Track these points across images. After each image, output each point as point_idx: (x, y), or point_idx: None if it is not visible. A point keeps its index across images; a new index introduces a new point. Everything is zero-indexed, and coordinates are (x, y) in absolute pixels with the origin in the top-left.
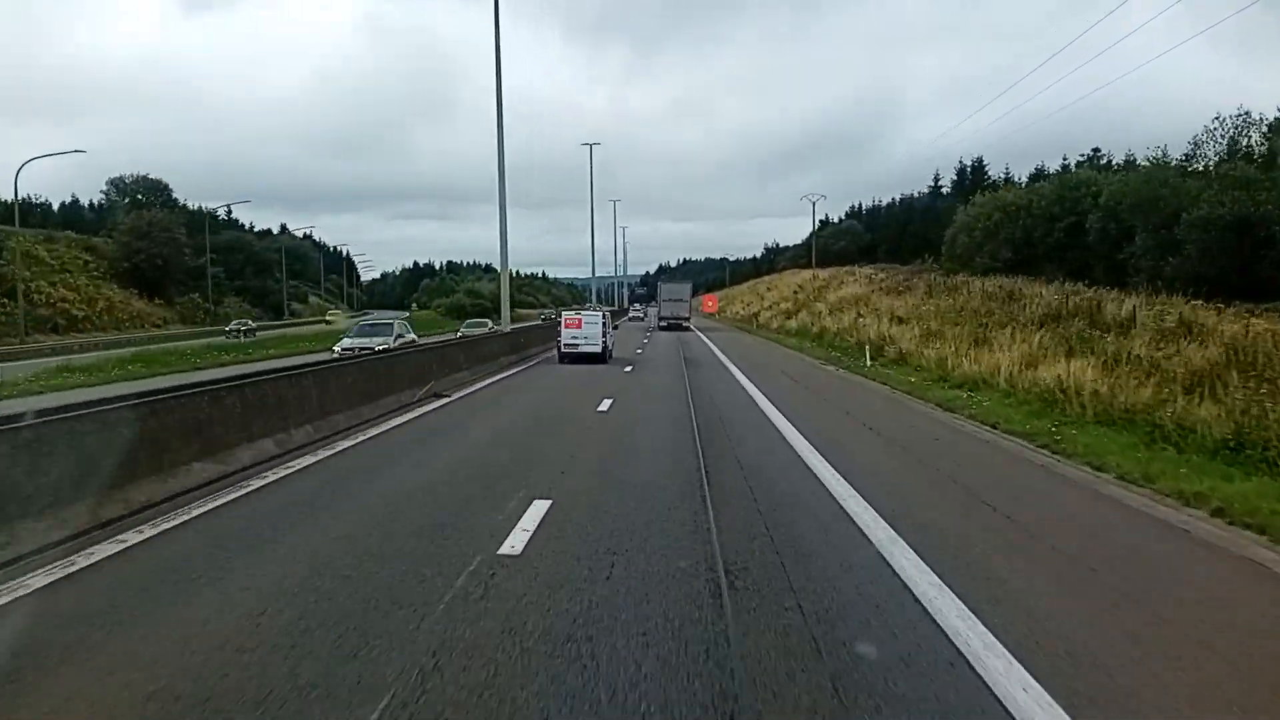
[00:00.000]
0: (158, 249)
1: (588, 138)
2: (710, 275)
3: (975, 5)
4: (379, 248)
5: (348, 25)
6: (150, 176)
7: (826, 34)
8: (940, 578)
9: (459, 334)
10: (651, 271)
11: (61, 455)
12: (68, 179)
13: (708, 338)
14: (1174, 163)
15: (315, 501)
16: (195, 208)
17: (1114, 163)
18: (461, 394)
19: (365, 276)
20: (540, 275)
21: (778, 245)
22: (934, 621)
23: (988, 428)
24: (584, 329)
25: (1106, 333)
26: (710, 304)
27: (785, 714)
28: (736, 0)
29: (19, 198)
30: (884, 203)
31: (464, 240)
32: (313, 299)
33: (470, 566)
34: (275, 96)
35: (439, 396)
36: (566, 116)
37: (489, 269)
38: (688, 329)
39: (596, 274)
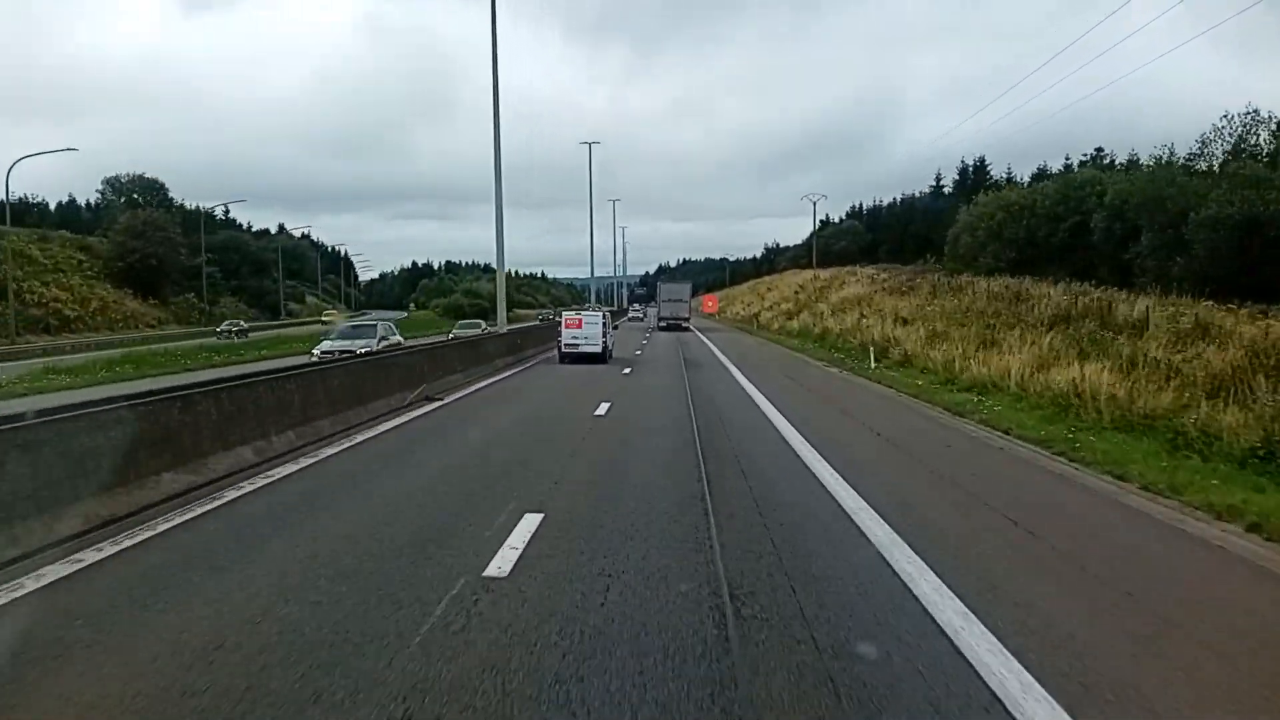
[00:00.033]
0: (152, 248)
1: (588, 137)
2: (710, 275)
3: (975, 5)
4: (379, 248)
5: (348, 25)
6: (146, 176)
7: (826, 34)
8: (966, 604)
9: (450, 336)
10: (651, 271)
11: (12, 468)
12: (67, 179)
13: (708, 338)
14: (1181, 161)
15: (289, 515)
16: (193, 207)
17: (1117, 163)
18: (455, 397)
19: (364, 276)
20: (540, 275)
21: (778, 245)
22: (963, 657)
23: (1000, 434)
24: (584, 329)
25: (1118, 334)
26: (710, 304)
27: None
28: (736, 0)
29: (14, 197)
30: (885, 203)
31: (464, 240)
32: (310, 299)
33: (452, 590)
34: (275, 96)
35: (431, 400)
36: (566, 116)
37: (488, 269)
38: (687, 329)
39: (596, 274)
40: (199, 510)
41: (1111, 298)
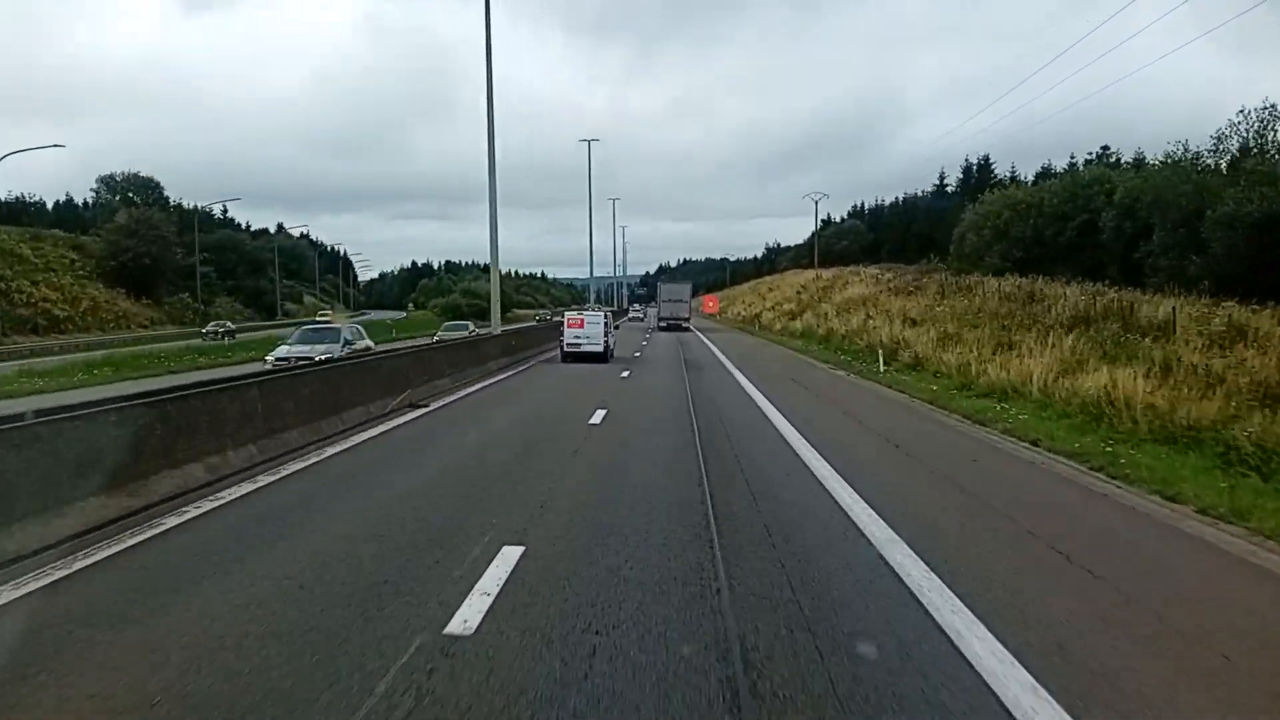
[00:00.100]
0: (146, 248)
1: (588, 137)
2: (710, 275)
3: (975, 5)
4: (379, 248)
5: (348, 25)
6: (142, 174)
7: (826, 34)
8: (1033, 676)
9: (435, 338)
10: (651, 272)
11: None
12: (67, 178)
13: (708, 339)
14: (1195, 159)
15: (228, 549)
16: (190, 206)
17: (1123, 161)
18: (441, 403)
19: (363, 276)
20: (539, 275)
21: (779, 245)
22: None
23: (1028, 445)
24: (586, 329)
25: (1144, 337)
26: (711, 304)
27: None
28: (736, 0)
29: (11, 196)
30: (886, 202)
31: (464, 240)
32: (308, 299)
33: (403, 657)
34: (275, 96)
35: (416, 406)
36: (567, 116)
37: (488, 269)
38: (687, 329)
39: (596, 274)
40: (125, 544)
41: (1134, 298)
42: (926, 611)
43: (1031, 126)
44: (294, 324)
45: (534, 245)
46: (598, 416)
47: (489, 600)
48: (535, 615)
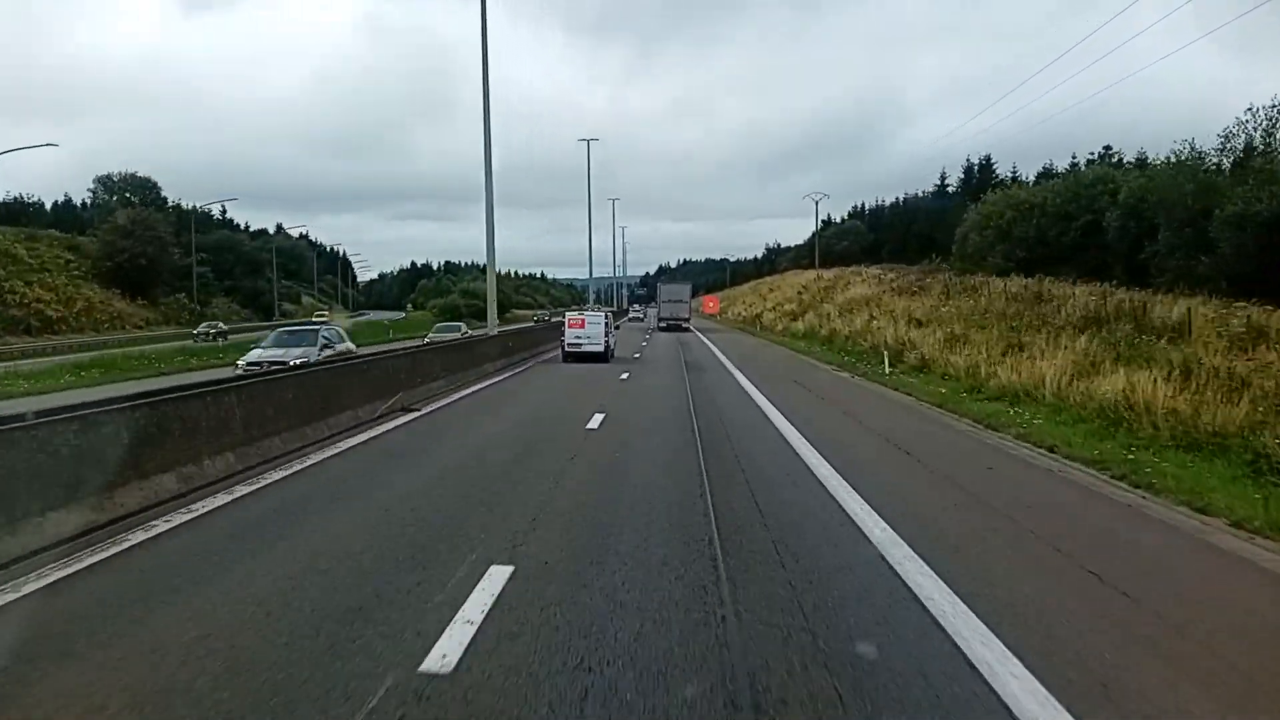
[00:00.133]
0: (142, 248)
1: (587, 136)
2: (711, 276)
3: (975, 5)
4: (379, 248)
5: (348, 25)
6: (139, 174)
7: (826, 34)
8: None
9: (426, 340)
10: (651, 272)
11: None
12: (66, 178)
13: (709, 339)
14: (1202, 157)
15: (192, 570)
16: (189, 207)
17: (1125, 161)
18: (433, 407)
19: (363, 277)
20: (539, 276)
21: (779, 245)
22: None
23: (1043, 451)
24: (587, 329)
25: (1158, 338)
26: (711, 305)
27: None
28: (736, 0)
29: (10, 196)
30: (887, 203)
31: (464, 240)
32: (306, 299)
33: (372, 700)
34: (275, 96)
35: (408, 410)
36: (567, 116)
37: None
38: (687, 330)
39: (596, 275)
40: (84, 561)
41: (1147, 298)
42: (957, 647)
43: (1032, 127)
44: (291, 324)
45: (534, 245)
46: (595, 421)
47: (471, 630)
48: (522, 649)
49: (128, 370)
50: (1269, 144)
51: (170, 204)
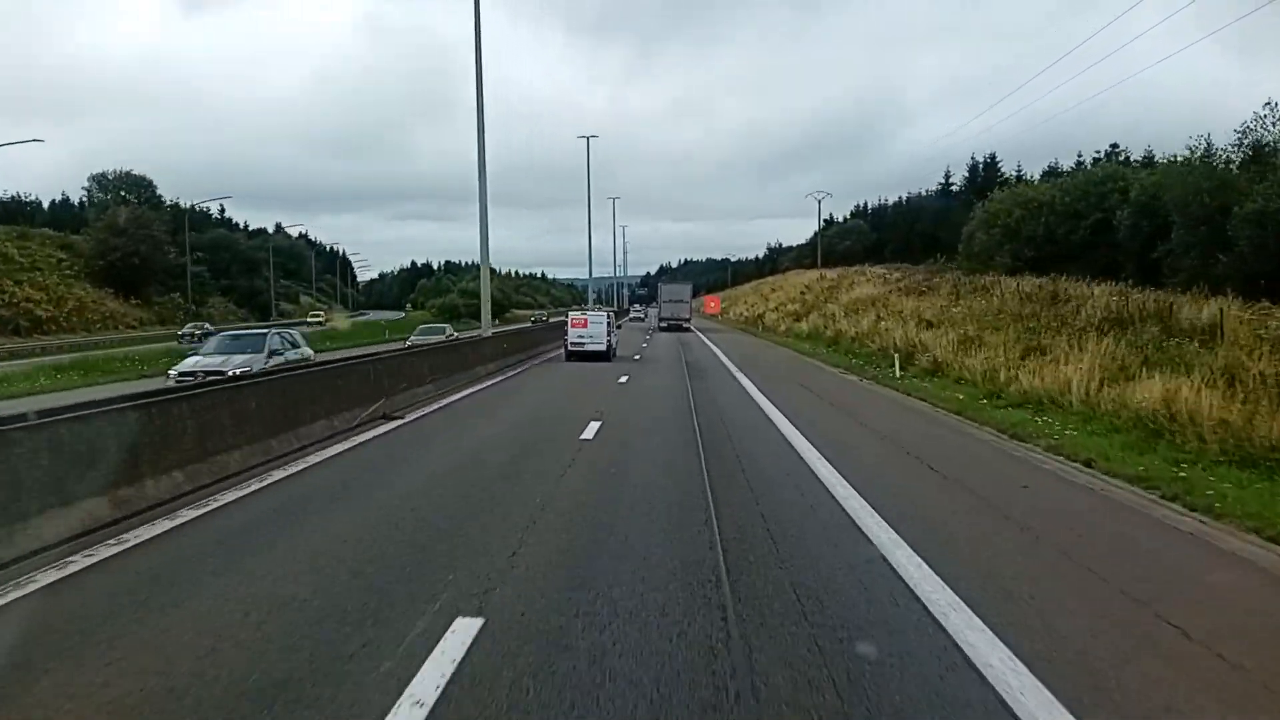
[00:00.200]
0: (135, 246)
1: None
2: (711, 276)
3: (975, 5)
4: (379, 248)
5: (348, 25)
6: (134, 173)
7: (826, 34)
8: None
9: (407, 343)
10: (652, 272)
11: None
12: (66, 178)
13: (710, 340)
14: (1211, 154)
15: (105, 620)
16: (187, 206)
17: (1131, 159)
18: (418, 415)
19: (363, 277)
20: (539, 276)
21: (780, 245)
22: None
23: (1079, 466)
24: (589, 328)
25: (1188, 340)
26: (712, 305)
27: None
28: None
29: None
30: (889, 202)
31: (464, 240)
32: (305, 299)
33: None
34: (275, 96)
35: (389, 418)
36: (567, 116)
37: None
38: (688, 330)
39: (597, 275)
40: None
41: (1174, 298)
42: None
43: (1033, 127)
44: (294, 323)
45: (534, 245)
46: (591, 430)
47: (423, 714)
48: None
49: (109, 372)
50: (1258, 147)
51: (167, 203)
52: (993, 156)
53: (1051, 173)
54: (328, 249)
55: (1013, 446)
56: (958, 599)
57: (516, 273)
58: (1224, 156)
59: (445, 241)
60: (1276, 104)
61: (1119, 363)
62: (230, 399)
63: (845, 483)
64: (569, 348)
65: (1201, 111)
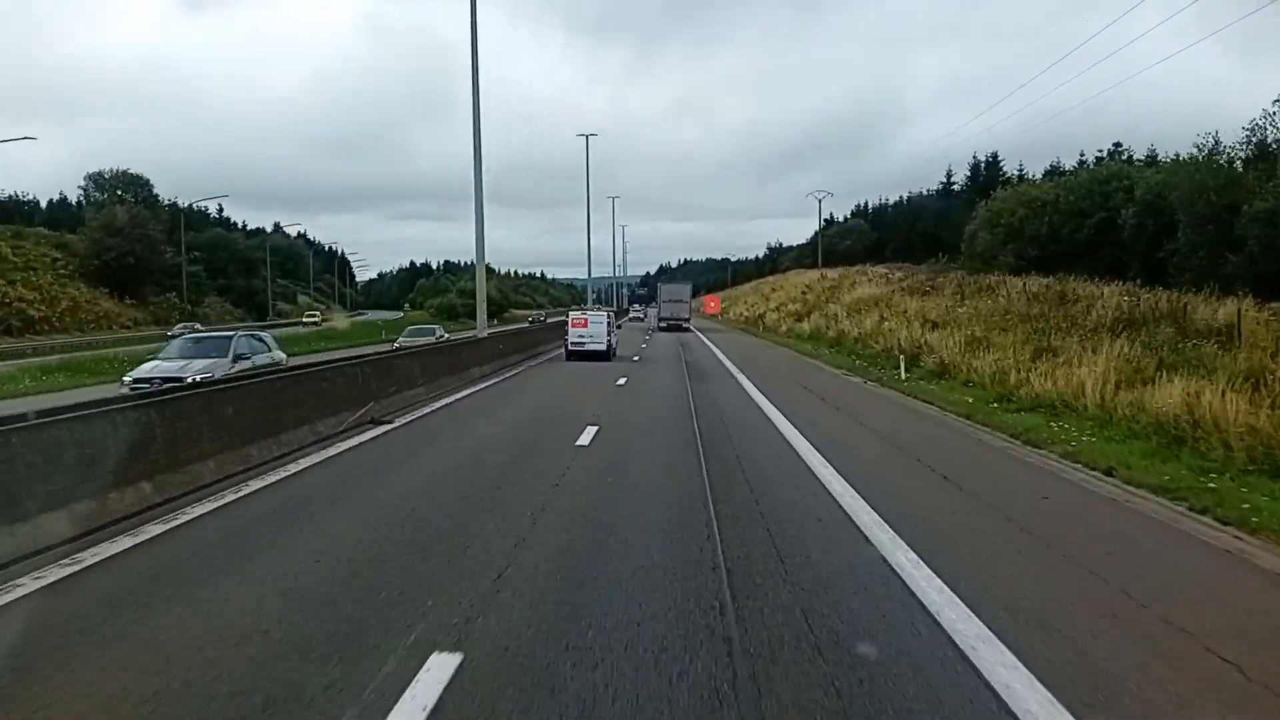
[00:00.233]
0: (130, 246)
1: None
2: (711, 276)
3: (975, 5)
4: (379, 248)
5: (348, 25)
6: (131, 172)
7: (826, 34)
8: None
9: (395, 345)
10: (651, 272)
11: None
12: (66, 177)
13: (710, 340)
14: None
15: (48, 654)
16: (185, 205)
17: (1135, 158)
18: (407, 419)
19: (362, 276)
20: (539, 275)
21: (781, 245)
22: None
23: (1099, 475)
24: (590, 328)
25: (1205, 341)
26: (712, 305)
27: None
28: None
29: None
30: (890, 201)
31: (463, 240)
32: (303, 299)
33: None
34: (275, 96)
35: (378, 423)
36: (567, 116)
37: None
38: (688, 330)
39: (596, 274)
40: None
41: (1188, 298)
42: None
43: (1034, 127)
44: (286, 324)
45: (533, 245)
46: (586, 436)
47: None
48: None
49: (98, 373)
50: (1262, 146)
51: (164, 202)
52: (994, 155)
53: (1053, 172)
54: (326, 249)
55: (1027, 453)
56: (1003, 647)
57: (515, 272)
58: (1229, 155)
59: (445, 241)
60: None
61: (1134, 365)
62: (207, 404)
63: (849, 486)
64: (569, 347)
65: (1203, 111)
